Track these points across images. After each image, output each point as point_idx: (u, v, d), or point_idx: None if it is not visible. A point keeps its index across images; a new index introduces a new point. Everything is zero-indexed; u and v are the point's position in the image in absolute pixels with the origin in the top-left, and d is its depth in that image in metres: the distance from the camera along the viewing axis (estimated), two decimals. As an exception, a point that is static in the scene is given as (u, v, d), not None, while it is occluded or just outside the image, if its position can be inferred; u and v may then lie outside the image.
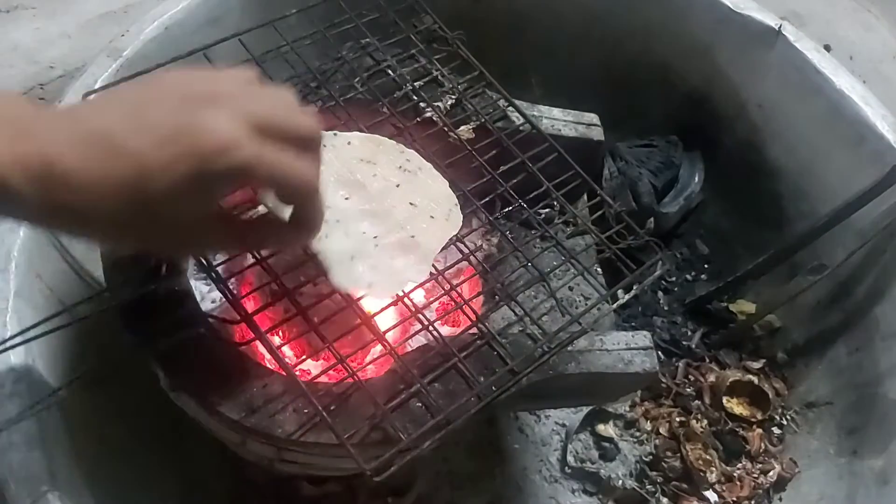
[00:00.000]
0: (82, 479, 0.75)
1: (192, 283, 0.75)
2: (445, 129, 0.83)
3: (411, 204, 0.72)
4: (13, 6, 1.23)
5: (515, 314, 0.74)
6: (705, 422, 1.15)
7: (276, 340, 0.71)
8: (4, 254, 0.81)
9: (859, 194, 1.04)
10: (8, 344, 0.66)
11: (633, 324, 1.25)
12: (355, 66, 0.86)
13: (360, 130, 0.79)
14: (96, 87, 0.92)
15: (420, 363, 0.69)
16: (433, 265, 0.71)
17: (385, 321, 0.74)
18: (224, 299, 0.69)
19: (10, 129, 0.39)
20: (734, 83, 1.22)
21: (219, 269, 0.69)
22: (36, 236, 0.85)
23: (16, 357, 0.74)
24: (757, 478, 1.11)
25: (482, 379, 0.68)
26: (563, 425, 1.14)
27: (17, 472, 0.69)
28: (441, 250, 0.71)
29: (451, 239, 0.72)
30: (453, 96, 0.86)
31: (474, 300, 0.75)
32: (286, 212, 0.50)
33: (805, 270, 1.14)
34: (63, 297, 0.86)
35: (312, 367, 0.78)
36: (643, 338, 0.79)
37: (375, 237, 0.68)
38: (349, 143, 0.75)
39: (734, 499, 1.09)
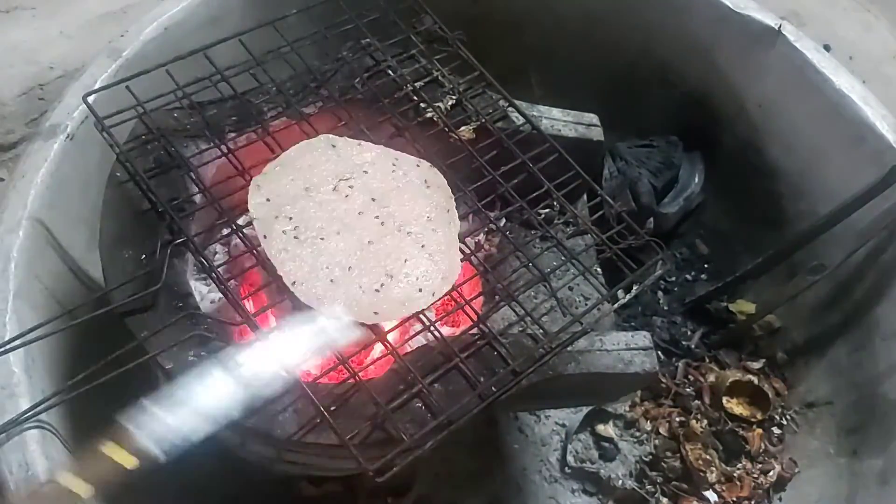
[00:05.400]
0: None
1: (192, 283, 0.75)
2: (446, 129, 0.83)
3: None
4: (13, 6, 1.23)
5: (516, 314, 0.74)
6: (705, 422, 1.15)
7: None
8: (4, 254, 0.81)
9: (859, 194, 1.04)
10: (8, 346, 0.66)
11: (632, 324, 1.25)
12: (355, 66, 0.86)
13: (362, 130, 0.80)
14: (96, 87, 0.92)
15: (421, 364, 0.68)
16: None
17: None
18: (224, 299, 0.69)
19: None
20: (734, 83, 1.22)
21: (220, 269, 0.69)
22: (35, 237, 0.85)
23: (15, 359, 0.74)
24: (757, 478, 1.11)
25: (482, 379, 0.68)
26: (563, 425, 1.14)
27: (17, 473, 0.69)
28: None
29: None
30: (454, 97, 0.86)
31: (475, 300, 0.75)
32: None
33: (805, 270, 1.14)
34: (62, 298, 0.86)
35: (312, 367, 0.77)
36: (643, 338, 0.79)
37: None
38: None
39: (734, 499, 1.09)
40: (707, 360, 1.22)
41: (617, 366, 0.76)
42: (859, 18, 1.43)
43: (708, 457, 1.11)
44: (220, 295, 0.70)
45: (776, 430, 1.16)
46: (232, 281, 0.68)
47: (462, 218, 0.82)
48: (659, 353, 1.17)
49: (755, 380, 1.17)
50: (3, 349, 0.65)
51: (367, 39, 0.87)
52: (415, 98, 0.85)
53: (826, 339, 1.14)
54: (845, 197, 1.06)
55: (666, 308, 1.28)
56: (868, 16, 1.44)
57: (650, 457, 1.13)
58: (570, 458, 1.10)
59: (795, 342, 1.20)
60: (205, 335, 0.66)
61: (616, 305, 0.79)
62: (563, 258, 0.79)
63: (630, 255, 0.77)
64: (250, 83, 0.81)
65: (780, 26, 1.14)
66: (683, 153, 1.30)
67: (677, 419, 1.15)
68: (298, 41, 0.83)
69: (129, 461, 0.56)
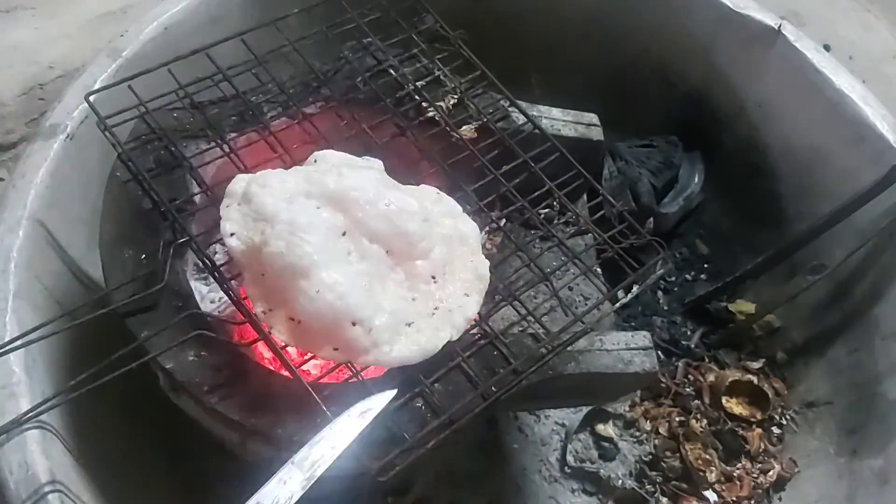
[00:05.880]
0: (82, 480, 0.75)
1: (193, 283, 0.75)
2: (448, 128, 0.83)
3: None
4: (13, 6, 1.23)
5: (518, 313, 0.73)
6: (705, 421, 1.15)
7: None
8: (4, 254, 0.81)
9: (859, 194, 1.04)
10: (8, 347, 0.66)
11: (632, 324, 1.25)
12: (357, 65, 0.86)
13: (363, 131, 0.79)
14: (96, 87, 0.92)
15: (423, 363, 0.68)
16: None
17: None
18: (226, 299, 0.68)
19: None
20: (734, 83, 1.22)
21: (221, 269, 0.69)
22: (35, 237, 0.84)
23: (16, 359, 0.74)
24: (756, 477, 1.12)
25: (484, 379, 0.68)
26: (563, 425, 1.14)
27: (17, 472, 0.69)
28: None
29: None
30: (455, 96, 0.86)
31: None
32: None
33: (805, 270, 1.14)
34: (62, 298, 0.86)
35: (313, 367, 0.77)
36: (643, 338, 0.79)
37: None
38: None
39: (734, 498, 1.09)
40: (707, 360, 1.22)
41: (617, 366, 0.76)
42: (859, 18, 1.43)
43: (708, 456, 1.11)
44: (222, 294, 0.70)
45: (776, 430, 1.16)
46: (233, 281, 0.68)
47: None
48: (659, 353, 1.17)
49: (755, 380, 1.17)
50: (3, 349, 0.65)
51: (369, 39, 0.87)
52: (416, 97, 0.85)
53: (826, 339, 1.14)
54: (845, 197, 1.06)
55: (666, 308, 1.28)
56: (868, 16, 1.44)
57: (650, 456, 1.13)
58: (569, 458, 1.10)
59: (795, 342, 1.20)
60: (206, 335, 0.66)
61: (617, 305, 0.79)
62: (563, 258, 0.79)
63: (630, 255, 0.77)
64: (252, 83, 0.81)
65: (780, 26, 1.14)
66: (683, 153, 1.30)
67: (677, 419, 1.15)
68: (300, 40, 0.83)
69: None
